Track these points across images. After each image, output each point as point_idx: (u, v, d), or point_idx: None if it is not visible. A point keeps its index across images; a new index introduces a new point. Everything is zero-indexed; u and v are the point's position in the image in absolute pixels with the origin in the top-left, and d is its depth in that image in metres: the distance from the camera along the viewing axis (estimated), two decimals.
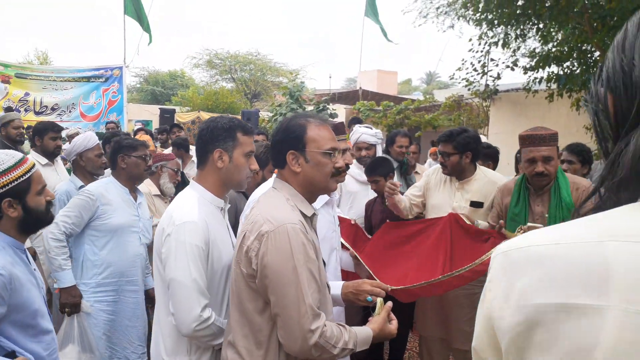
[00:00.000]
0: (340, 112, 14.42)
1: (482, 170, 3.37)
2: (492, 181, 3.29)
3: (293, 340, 1.61)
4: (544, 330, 0.66)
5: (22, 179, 1.78)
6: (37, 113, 11.52)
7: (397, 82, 26.07)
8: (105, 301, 3.00)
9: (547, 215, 2.80)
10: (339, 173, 1.86)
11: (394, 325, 1.87)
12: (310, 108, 13.76)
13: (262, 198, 1.84)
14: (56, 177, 4.22)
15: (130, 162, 3.12)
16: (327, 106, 13.47)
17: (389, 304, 1.91)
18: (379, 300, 1.94)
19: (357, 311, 3.22)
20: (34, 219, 1.84)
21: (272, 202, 1.76)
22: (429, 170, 3.58)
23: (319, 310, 1.65)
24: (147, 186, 3.74)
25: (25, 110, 11.33)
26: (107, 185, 3.08)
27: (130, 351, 3.08)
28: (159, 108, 15.98)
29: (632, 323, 0.60)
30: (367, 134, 4.15)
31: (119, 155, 3.12)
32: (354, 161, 4.07)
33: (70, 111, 12.03)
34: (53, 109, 11.81)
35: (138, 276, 3.13)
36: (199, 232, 1.90)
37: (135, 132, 8.50)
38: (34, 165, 1.86)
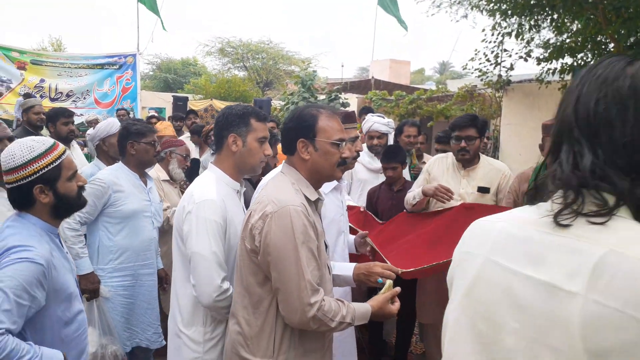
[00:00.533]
0: (352, 102, 14.41)
1: (485, 159, 3.45)
2: (496, 168, 3.38)
3: (293, 313, 1.73)
4: (458, 266, 1.08)
5: (52, 166, 1.81)
6: (52, 99, 11.67)
7: (410, 72, 25.91)
8: (123, 285, 3.09)
9: None
10: (345, 163, 1.95)
11: (395, 306, 1.95)
12: (322, 97, 13.78)
13: (270, 181, 1.95)
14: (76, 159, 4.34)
15: (139, 148, 3.17)
16: (339, 95, 13.47)
17: (397, 289, 1.99)
18: (388, 281, 2.03)
19: (362, 293, 3.29)
20: (65, 205, 1.87)
21: (278, 185, 1.87)
22: (429, 162, 3.64)
23: (318, 286, 1.75)
24: (156, 171, 3.81)
25: (41, 96, 11.45)
26: (117, 172, 3.14)
27: (150, 333, 3.18)
28: (172, 96, 16.08)
29: (488, 267, 0.98)
30: (379, 122, 4.21)
31: (128, 141, 3.17)
32: (365, 149, 4.15)
33: (84, 98, 12.16)
34: (68, 96, 11.94)
35: (153, 259, 3.21)
36: (218, 209, 2.05)
37: (148, 119, 8.59)
38: (64, 151, 1.89)
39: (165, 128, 4.39)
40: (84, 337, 1.96)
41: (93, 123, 4.44)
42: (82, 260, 2.96)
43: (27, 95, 8.73)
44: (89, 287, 2.95)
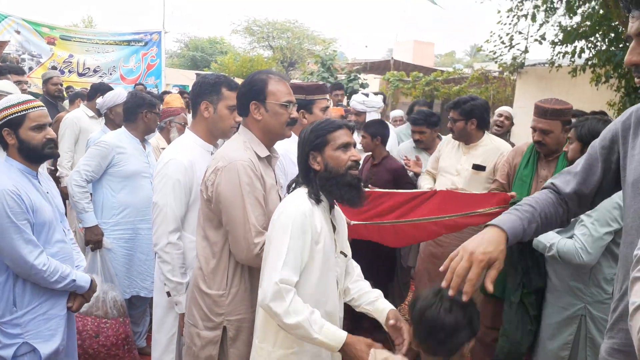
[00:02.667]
0: (372, 82, 14.50)
1: (489, 137, 3.61)
2: (496, 147, 3.53)
3: (240, 251, 2.02)
4: None
5: (17, 115, 2.22)
6: (80, 74, 12.07)
7: (440, 54, 25.64)
8: (123, 238, 3.42)
9: None
10: (294, 123, 2.19)
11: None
12: (342, 77, 13.91)
13: (227, 141, 2.22)
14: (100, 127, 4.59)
15: (150, 117, 3.49)
16: (358, 76, 13.59)
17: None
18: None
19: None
20: (26, 149, 2.25)
21: (231, 144, 2.14)
22: (442, 141, 3.87)
23: (263, 230, 2.01)
24: (156, 140, 4.10)
25: (70, 71, 11.85)
26: (120, 135, 3.45)
27: (148, 282, 3.48)
28: (195, 73, 16.42)
29: None
30: (355, 100, 4.52)
31: (142, 110, 3.45)
32: None
33: (110, 74, 12.50)
34: (95, 71, 12.30)
35: (151, 215, 3.50)
36: (181, 168, 2.33)
37: (162, 94, 8.86)
38: (35, 107, 2.27)
39: (173, 100, 4.64)
40: (65, 262, 2.36)
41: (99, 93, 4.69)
42: (87, 214, 3.31)
43: (53, 69, 9.13)
44: (93, 238, 3.29)
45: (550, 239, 2.54)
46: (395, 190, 3.49)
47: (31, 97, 2.33)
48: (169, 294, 2.40)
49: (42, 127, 2.27)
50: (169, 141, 4.20)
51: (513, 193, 2.93)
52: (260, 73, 2.17)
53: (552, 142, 2.97)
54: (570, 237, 2.50)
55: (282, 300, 1.71)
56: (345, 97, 8.70)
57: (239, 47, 29.46)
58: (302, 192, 1.90)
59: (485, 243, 1.43)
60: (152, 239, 2.43)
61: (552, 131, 2.96)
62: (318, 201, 1.88)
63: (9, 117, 2.21)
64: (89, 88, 5.40)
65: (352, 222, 2.53)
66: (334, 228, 1.97)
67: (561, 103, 3.00)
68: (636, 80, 1.38)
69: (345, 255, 2.04)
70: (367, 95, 4.69)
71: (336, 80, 13.48)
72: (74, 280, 2.34)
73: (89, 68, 12.28)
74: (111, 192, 3.38)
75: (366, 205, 3.30)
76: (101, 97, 4.14)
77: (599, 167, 1.56)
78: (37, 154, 2.28)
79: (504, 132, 5.25)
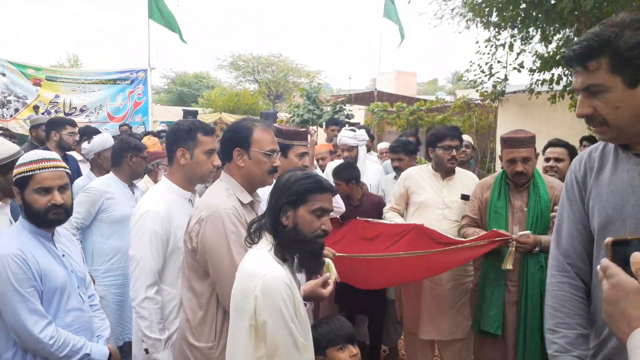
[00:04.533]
0: (357, 113, 14.67)
1: (457, 169, 3.66)
2: (469, 177, 3.65)
3: (229, 300, 1.93)
4: None
5: (23, 175, 2.08)
6: (66, 114, 12.04)
7: (422, 82, 26.11)
8: (115, 284, 3.40)
9: (526, 209, 3.04)
10: (275, 171, 2.21)
11: (327, 290, 2.09)
12: (327, 109, 14.07)
13: (209, 188, 2.23)
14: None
15: (136, 161, 3.52)
16: (344, 107, 13.75)
17: (327, 274, 2.18)
18: (328, 260, 2.24)
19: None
20: (29, 213, 2.10)
21: (213, 191, 2.16)
22: (404, 177, 3.74)
23: None
24: (145, 183, 4.10)
25: (56, 112, 11.83)
26: (108, 181, 3.48)
27: None
28: (182, 109, 16.53)
29: None
30: (346, 136, 4.52)
31: (127, 154, 3.48)
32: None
33: (98, 112, 12.52)
34: (82, 110, 12.31)
35: None
36: (158, 220, 2.28)
37: (159, 133, 8.88)
38: (47, 167, 2.10)
39: (154, 145, 4.69)
40: (81, 332, 2.16)
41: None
42: None
43: (36, 108, 9.07)
44: None
45: None
46: (385, 222, 3.54)
47: (50, 156, 2.16)
48: (147, 350, 2.28)
49: (48, 190, 2.09)
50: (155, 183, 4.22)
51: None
52: (245, 120, 2.22)
53: (531, 169, 3.04)
54: None
55: None
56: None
57: (225, 81, 29.84)
58: (265, 250, 1.75)
59: None
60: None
61: (531, 158, 3.03)
62: (284, 260, 1.75)
63: (18, 176, 2.09)
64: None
65: (337, 254, 2.55)
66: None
67: (527, 132, 3.09)
68: (592, 129, 1.47)
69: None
70: (354, 129, 4.74)
71: (322, 112, 13.64)
72: (87, 355, 2.11)
73: (75, 107, 12.30)
74: (101, 239, 3.38)
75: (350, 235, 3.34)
76: (87, 141, 4.14)
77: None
78: (40, 219, 2.11)
79: (467, 160, 5.34)
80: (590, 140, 6.21)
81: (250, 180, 2.17)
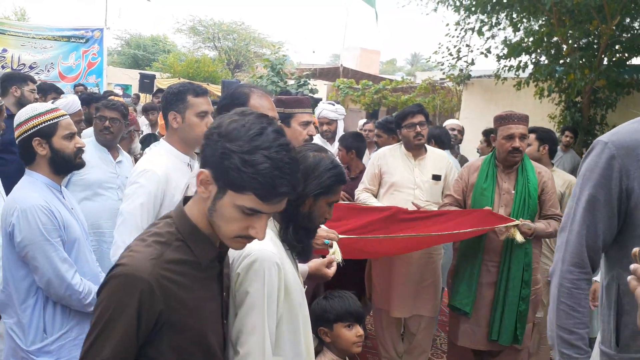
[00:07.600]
0: (321, 88, 14.59)
1: (429, 148, 3.67)
2: (440, 156, 3.66)
3: None
4: None
5: (49, 123, 2.12)
6: (14, 70, 11.41)
7: (381, 62, 26.21)
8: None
9: (514, 192, 3.07)
10: None
11: (331, 270, 2.10)
12: (291, 82, 13.92)
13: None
14: None
15: (119, 126, 3.37)
16: (308, 81, 13.64)
17: (332, 257, 2.19)
18: (334, 243, 2.27)
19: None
20: (60, 159, 2.15)
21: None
22: (376, 157, 3.71)
23: None
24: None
25: (2, 67, 11.18)
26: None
27: None
28: (139, 73, 15.92)
29: None
30: (327, 109, 4.51)
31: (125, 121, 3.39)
32: (318, 136, 4.40)
33: (48, 70, 11.90)
34: (31, 67, 11.64)
35: (112, 228, 3.37)
36: (154, 179, 2.18)
37: (106, 94, 8.39)
38: (63, 115, 2.19)
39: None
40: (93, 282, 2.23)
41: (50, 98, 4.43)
42: None
43: None
44: None
45: None
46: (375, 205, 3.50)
47: (55, 106, 2.25)
48: None
49: (73, 135, 2.20)
50: (128, 151, 4.06)
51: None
52: (242, 86, 2.14)
53: (525, 148, 3.08)
54: None
55: None
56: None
57: (183, 46, 28.85)
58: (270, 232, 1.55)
59: None
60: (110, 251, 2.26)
61: (527, 136, 3.09)
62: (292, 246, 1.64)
63: (40, 126, 2.11)
64: None
65: (340, 236, 2.52)
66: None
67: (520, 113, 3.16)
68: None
69: None
70: (332, 103, 4.71)
71: (285, 85, 13.48)
72: None
73: (24, 64, 11.63)
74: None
75: (345, 219, 3.32)
76: (51, 101, 3.88)
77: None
78: (69, 164, 2.19)
79: (456, 144, 5.45)
80: (572, 130, 6.45)
81: None
